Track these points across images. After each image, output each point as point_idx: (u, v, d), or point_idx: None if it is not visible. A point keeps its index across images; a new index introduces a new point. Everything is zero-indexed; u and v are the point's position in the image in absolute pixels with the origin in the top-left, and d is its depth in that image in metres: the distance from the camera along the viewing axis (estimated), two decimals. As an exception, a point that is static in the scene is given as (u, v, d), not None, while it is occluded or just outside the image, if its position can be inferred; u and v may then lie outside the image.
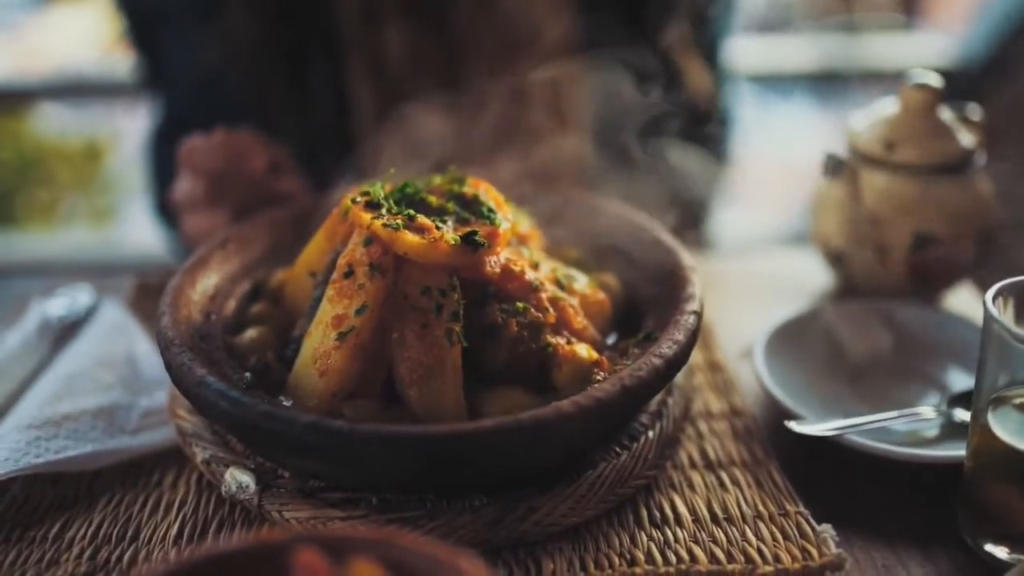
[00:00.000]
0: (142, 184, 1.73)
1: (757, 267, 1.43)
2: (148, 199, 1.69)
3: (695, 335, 0.87)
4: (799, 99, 3.88)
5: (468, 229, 0.86)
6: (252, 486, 0.83)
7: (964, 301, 1.26)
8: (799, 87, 3.83)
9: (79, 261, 3.29)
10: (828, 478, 0.93)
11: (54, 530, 0.85)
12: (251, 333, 0.93)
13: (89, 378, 1.01)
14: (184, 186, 1.21)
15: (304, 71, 1.49)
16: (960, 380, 1.05)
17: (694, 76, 1.64)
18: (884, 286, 1.19)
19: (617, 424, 0.87)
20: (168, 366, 0.83)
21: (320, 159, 1.33)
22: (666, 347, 0.83)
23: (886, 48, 3.78)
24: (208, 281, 0.98)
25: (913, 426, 0.97)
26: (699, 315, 0.89)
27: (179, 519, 0.86)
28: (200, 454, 0.88)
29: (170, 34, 1.56)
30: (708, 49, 1.79)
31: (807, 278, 1.34)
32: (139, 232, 3.52)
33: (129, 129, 3.99)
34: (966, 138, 1.16)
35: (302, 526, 0.80)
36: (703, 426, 0.99)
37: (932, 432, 0.97)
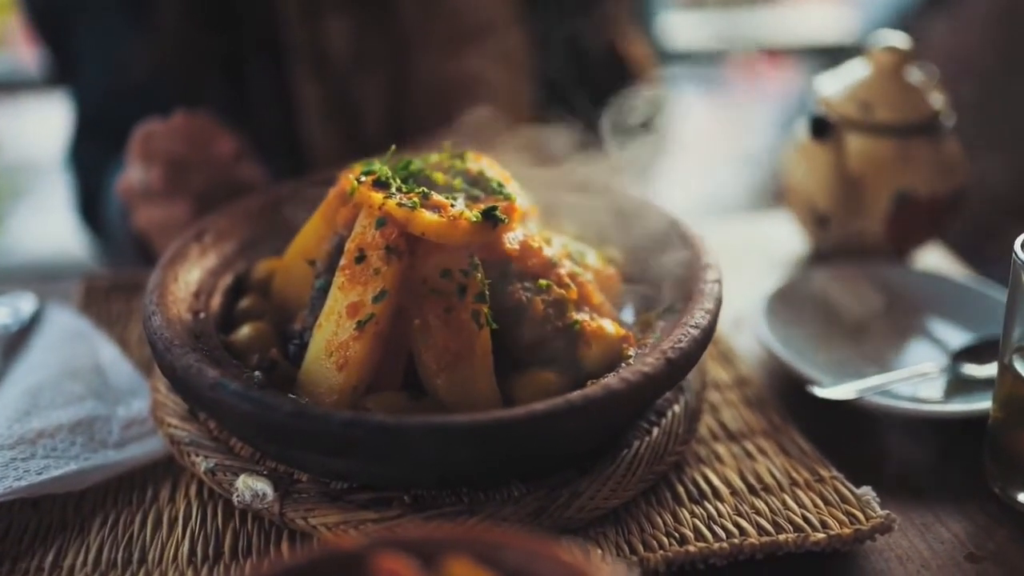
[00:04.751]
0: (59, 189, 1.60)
1: (718, 235, 1.42)
2: (72, 203, 1.56)
3: (720, 303, 0.85)
4: (686, 76, 3.92)
5: (483, 206, 0.81)
6: (270, 493, 0.77)
7: (936, 259, 1.28)
8: (688, 64, 3.87)
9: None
10: (842, 440, 0.92)
11: (48, 559, 0.76)
12: (247, 330, 0.86)
13: (56, 390, 0.91)
14: (137, 175, 1.11)
15: (242, 70, 1.40)
16: (952, 335, 1.07)
17: (634, 53, 1.63)
18: (863, 247, 1.20)
19: (657, 399, 0.84)
20: (170, 369, 0.75)
21: (266, 161, 1.25)
22: (699, 316, 0.81)
23: (771, 24, 3.87)
24: (190, 276, 0.90)
25: (917, 383, 0.98)
26: (721, 283, 0.87)
27: (187, 535, 0.78)
28: (202, 464, 0.80)
29: (87, 27, 1.43)
30: (644, 25, 1.78)
31: (776, 243, 1.34)
32: (33, 238, 3.31)
33: (7, 131, 3.76)
34: (936, 98, 1.18)
35: (332, 532, 0.74)
36: (715, 397, 0.97)
37: (937, 388, 0.98)
